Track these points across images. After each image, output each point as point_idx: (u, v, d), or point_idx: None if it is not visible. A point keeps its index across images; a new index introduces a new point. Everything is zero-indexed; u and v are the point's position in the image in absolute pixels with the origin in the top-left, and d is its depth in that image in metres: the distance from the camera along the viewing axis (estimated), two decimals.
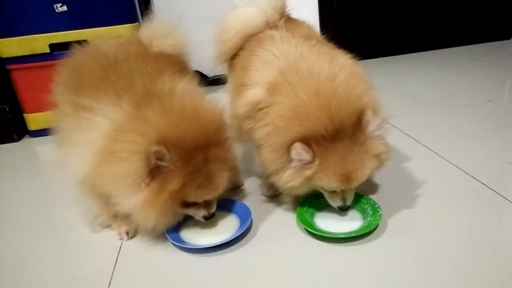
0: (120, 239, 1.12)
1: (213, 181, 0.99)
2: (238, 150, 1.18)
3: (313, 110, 0.96)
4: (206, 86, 1.36)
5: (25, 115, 2.01)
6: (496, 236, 1.02)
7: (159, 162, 0.91)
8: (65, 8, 1.83)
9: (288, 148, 0.97)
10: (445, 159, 1.40)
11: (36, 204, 1.39)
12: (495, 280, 0.88)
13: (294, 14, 1.42)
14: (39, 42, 1.85)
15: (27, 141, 2.03)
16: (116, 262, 1.04)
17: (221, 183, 1.01)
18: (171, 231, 1.08)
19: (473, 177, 1.27)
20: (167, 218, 1.00)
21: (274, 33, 1.23)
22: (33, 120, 2.00)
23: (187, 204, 1.01)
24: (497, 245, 0.99)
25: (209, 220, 1.07)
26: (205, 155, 0.96)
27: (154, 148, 0.89)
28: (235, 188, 1.31)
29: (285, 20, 1.31)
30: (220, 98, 1.14)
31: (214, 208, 1.06)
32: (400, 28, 2.91)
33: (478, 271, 0.90)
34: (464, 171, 1.31)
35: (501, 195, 1.16)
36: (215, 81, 2.25)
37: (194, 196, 0.98)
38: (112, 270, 1.01)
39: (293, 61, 1.07)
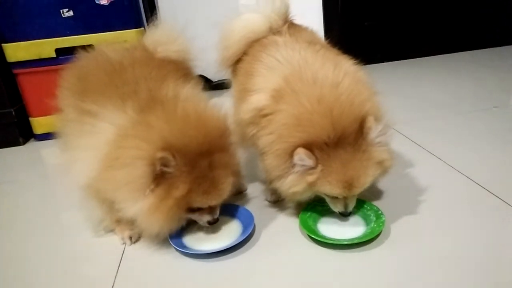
0: (123, 243, 1.12)
1: (218, 187, 0.99)
2: (241, 155, 1.18)
3: (316, 117, 0.97)
4: (210, 90, 1.36)
5: (30, 118, 2.02)
6: (501, 244, 1.01)
7: (164, 168, 0.92)
8: (71, 13, 1.85)
9: (291, 153, 0.97)
10: (450, 165, 1.39)
11: (40, 208, 1.40)
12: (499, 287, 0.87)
13: (299, 20, 1.42)
14: (46, 47, 1.87)
15: (32, 144, 2.05)
16: (118, 266, 1.04)
17: (226, 189, 1.02)
18: (174, 237, 1.08)
19: (477, 183, 1.26)
20: (171, 224, 1.00)
21: (278, 38, 1.23)
22: (39, 123, 2.01)
23: (191, 210, 1.01)
24: (502, 253, 0.98)
25: (213, 225, 1.07)
26: (210, 161, 0.97)
27: (160, 154, 0.90)
28: (239, 193, 1.31)
29: (288, 25, 1.31)
30: (224, 102, 1.15)
31: (218, 213, 1.06)
32: (404, 33, 2.90)
33: (482, 279, 0.90)
34: (469, 178, 1.30)
35: (506, 203, 1.15)
36: (219, 86, 2.26)
37: (200, 201, 0.99)
38: (114, 274, 1.01)
39: (297, 68, 1.07)
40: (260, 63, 1.16)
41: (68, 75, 1.17)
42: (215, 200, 1.01)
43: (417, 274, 0.93)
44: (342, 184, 0.97)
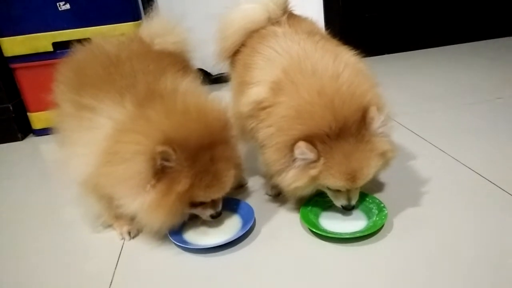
0: (122, 239, 1.12)
1: (220, 180, 0.98)
2: (241, 148, 1.17)
3: (316, 109, 0.95)
4: (209, 84, 1.35)
5: (29, 114, 2.01)
6: (505, 235, 1.00)
7: (165, 163, 0.90)
8: (68, 6, 1.83)
9: (291, 147, 0.95)
10: (453, 157, 1.38)
11: (39, 203, 1.39)
12: (504, 280, 0.86)
13: (299, 10, 1.40)
14: (43, 41, 1.85)
15: (31, 140, 2.04)
16: (117, 262, 1.03)
17: (229, 182, 1.01)
18: (173, 232, 1.07)
19: (481, 175, 1.25)
20: (173, 219, 0.99)
21: (277, 29, 1.21)
22: (37, 119, 2.00)
23: (194, 204, 1.00)
24: (505, 245, 0.97)
25: (214, 220, 1.06)
26: (212, 154, 0.96)
27: (160, 148, 0.88)
28: (239, 187, 1.29)
29: (288, 16, 1.29)
30: (223, 96, 1.13)
31: (220, 207, 1.05)
32: (406, 25, 2.87)
33: (486, 271, 0.89)
34: (472, 169, 1.28)
35: (509, 194, 1.14)
36: (218, 79, 2.24)
37: (203, 195, 0.98)
38: (113, 270, 1.00)
39: (297, 59, 1.05)
40: (259, 55, 1.14)
41: (65, 69, 1.15)
42: (218, 193, 1.00)
43: (420, 267, 0.92)
44: (345, 176, 0.96)
